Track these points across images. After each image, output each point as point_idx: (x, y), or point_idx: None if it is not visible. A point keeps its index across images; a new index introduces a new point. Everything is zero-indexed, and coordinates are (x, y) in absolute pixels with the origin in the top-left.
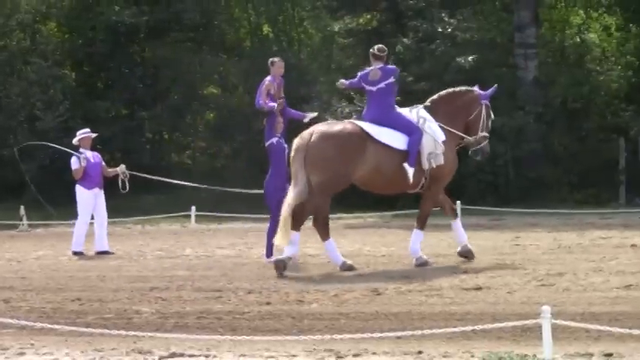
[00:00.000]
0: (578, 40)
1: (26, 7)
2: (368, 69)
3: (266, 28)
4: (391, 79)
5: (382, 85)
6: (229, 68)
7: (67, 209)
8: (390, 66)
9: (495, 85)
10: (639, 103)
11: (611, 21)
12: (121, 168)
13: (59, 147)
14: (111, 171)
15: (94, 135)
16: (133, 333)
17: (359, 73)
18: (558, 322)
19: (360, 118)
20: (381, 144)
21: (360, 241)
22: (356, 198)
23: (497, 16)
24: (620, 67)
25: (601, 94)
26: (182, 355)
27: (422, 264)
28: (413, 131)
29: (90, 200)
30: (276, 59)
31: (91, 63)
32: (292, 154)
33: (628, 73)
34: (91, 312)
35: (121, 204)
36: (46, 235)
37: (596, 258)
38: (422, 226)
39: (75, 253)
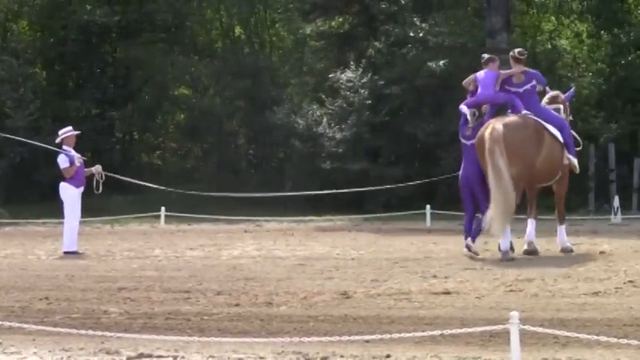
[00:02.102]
0: (550, 46)
1: None
2: (507, 72)
3: (238, 30)
4: (534, 82)
5: (528, 86)
6: (201, 69)
7: (37, 207)
8: (531, 70)
9: (573, 88)
10: (609, 110)
11: (582, 28)
12: (97, 169)
13: (45, 145)
14: (86, 170)
15: (77, 132)
16: (100, 333)
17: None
18: (526, 327)
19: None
20: (552, 135)
21: (330, 243)
22: (327, 200)
23: (469, 22)
24: (590, 74)
25: (571, 101)
26: (150, 355)
27: (568, 250)
28: (564, 125)
29: (77, 198)
30: (493, 56)
31: (62, 62)
32: (488, 145)
33: (599, 80)
34: (59, 311)
35: (91, 204)
36: (14, 234)
37: (564, 264)
38: (563, 220)
39: (68, 254)
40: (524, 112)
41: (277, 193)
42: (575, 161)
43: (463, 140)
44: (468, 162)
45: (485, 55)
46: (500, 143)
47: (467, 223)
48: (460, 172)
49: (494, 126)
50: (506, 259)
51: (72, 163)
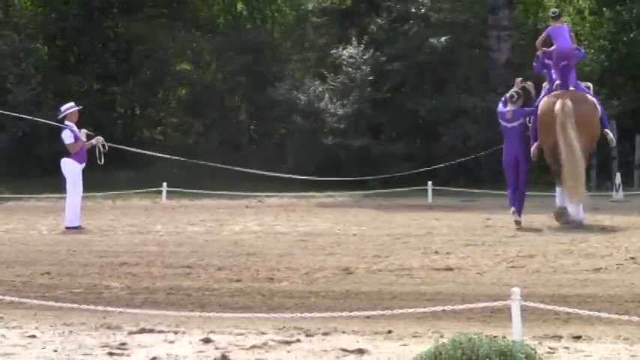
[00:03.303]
0: None
1: None
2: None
3: (240, 6)
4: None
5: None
6: (202, 45)
7: (39, 182)
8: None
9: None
10: (611, 87)
11: (584, 4)
12: (98, 139)
13: (48, 121)
14: (87, 143)
15: (79, 108)
16: (102, 308)
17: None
18: (528, 303)
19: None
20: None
21: (332, 219)
22: (328, 176)
23: None
24: (593, 51)
25: None
26: (151, 330)
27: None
28: (598, 101)
29: (80, 174)
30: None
31: (63, 37)
32: (560, 119)
33: (601, 57)
34: (61, 286)
35: (93, 179)
36: (16, 209)
37: (566, 240)
38: None
39: (70, 229)
40: (571, 87)
41: (279, 171)
42: (611, 135)
43: (504, 123)
44: (513, 142)
45: (557, 10)
46: (571, 117)
47: (511, 193)
48: (504, 154)
49: (564, 101)
50: (576, 224)
51: (77, 138)
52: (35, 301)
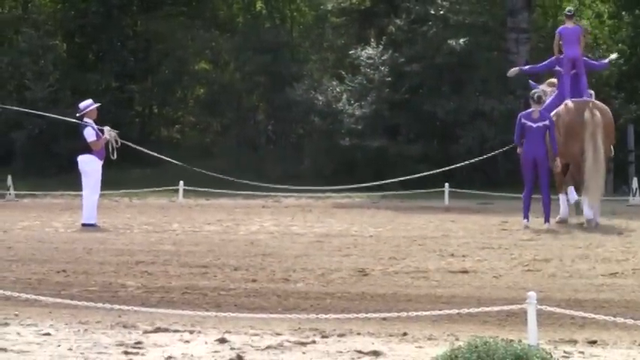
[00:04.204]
0: None
1: None
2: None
3: (259, 5)
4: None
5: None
6: (221, 44)
7: (55, 179)
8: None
9: None
10: (629, 91)
11: (603, 8)
12: (111, 134)
13: (72, 120)
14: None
15: (98, 105)
16: (117, 307)
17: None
18: (544, 308)
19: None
20: None
21: (349, 220)
22: (345, 178)
23: (489, 0)
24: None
25: (592, 82)
26: (167, 330)
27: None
28: None
29: (100, 171)
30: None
31: (82, 34)
32: (590, 128)
33: (619, 61)
34: (77, 284)
35: (109, 177)
36: (32, 206)
37: (582, 245)
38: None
39: (86, 226)
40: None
41: (296, 171)
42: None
43: (529, 123)
44: (534, 142)
45: (572, 9)
46: (600, 126)
47: (526, 199)
48: (524, 153)
49: (593, 111)
50: (593, 226)
51: (99, 136)
52: (50, 299)
